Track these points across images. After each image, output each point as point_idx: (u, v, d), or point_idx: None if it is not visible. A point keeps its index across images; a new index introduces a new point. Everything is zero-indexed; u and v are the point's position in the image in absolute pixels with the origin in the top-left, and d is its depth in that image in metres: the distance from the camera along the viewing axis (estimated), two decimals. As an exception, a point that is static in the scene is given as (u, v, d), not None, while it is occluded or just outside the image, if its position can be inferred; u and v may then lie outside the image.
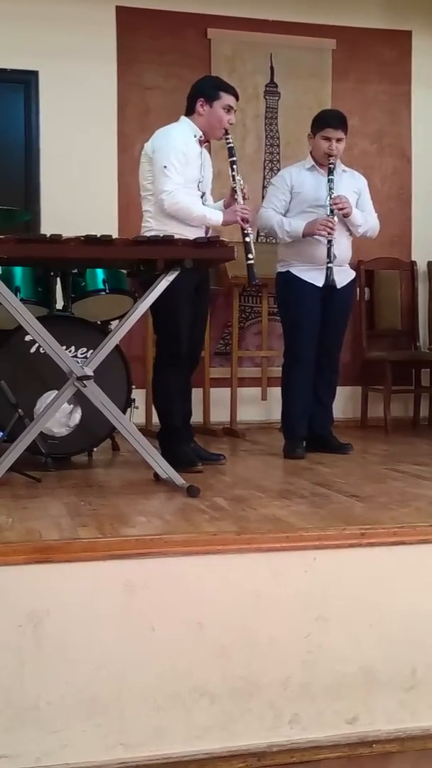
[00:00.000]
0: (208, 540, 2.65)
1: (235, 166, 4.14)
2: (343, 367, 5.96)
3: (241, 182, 4.15)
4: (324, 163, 4.58)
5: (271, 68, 6.20)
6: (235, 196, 4.12)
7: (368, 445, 5.08)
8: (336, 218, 4.47)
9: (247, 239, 4.09)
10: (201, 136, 4.14)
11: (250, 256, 4.12)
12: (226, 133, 4.13)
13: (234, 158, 4.14)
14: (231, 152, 4.14)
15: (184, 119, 4.17)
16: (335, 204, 4.47)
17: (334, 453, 4.60)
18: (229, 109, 4.13)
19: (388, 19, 6.35)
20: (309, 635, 2.62)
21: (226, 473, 4.01)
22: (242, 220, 4.06)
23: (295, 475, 4.01)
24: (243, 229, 4.08)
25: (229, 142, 4.14)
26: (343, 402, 6.09)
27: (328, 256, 4.46)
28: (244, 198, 4.11)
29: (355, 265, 6.15)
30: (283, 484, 3.79)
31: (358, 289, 6.17)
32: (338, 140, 4.56)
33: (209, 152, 4.30)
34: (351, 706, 2.64)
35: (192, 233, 3.85)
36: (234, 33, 6.07)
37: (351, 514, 3.04)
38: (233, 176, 4.14)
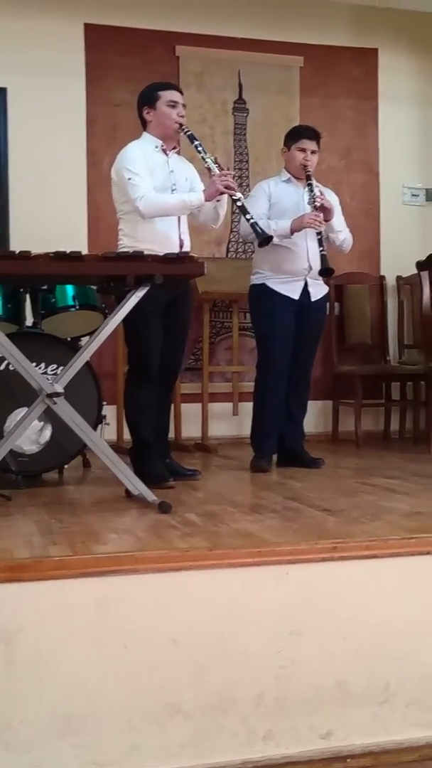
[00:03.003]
0: (181, 556, 2.64)
1: (200, 148, 4.12)
2: (314, 381, 5.98)
3: (212, 157, 4.13)
4: (299, 175, 4.66)
5: (240, 85, 6.24)
6: (211, 174, 4.10)
7: (339, 459, 5.09)
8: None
9: (239, 203, 4.13)
10: (162, 145, 4.15)
11: (247, 216, 4.19)
12: (181, 126, 4.12)
13: (197, 141, 4.12)
14: (192, 139, 4.13)
15: (143, 134, 4.21)
16: (321, 199, 4.52)
17: (306, 468, 4.60)
18: (174, 104, 4.13)
19: (355, 36, 6.42)
20: (282, 650, 2.61)
21: (198, 489, 4.00)
22: (225, 188, 4.04)
23: (266, 490, 4.01)
24: (231, 197, 4.10)
25: (187, 132, 4.13)
26: (314, 416, 6.10)
27: (321, 244, 4.50)
28: (220, 168, 4.09)
29: (326, 279, 6.21)
30: (255, 498, 3.80)
31: (328, 304, 6.24)
32: (312, 152, 4.64)
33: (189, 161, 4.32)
34: (325, 721, 2.64)
35: (165, 249, 3.85)
36: (202, 50, 6.10)
37: (323, 528, 3.04)
38: (202, 157, 4.12)
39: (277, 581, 2.64)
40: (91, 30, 5.88)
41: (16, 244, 5.28)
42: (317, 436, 5.98)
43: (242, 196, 4.20)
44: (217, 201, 4.16)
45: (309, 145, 4.65)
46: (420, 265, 5.25)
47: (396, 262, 6.37)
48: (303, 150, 4.64)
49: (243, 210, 4.18)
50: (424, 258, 5.24)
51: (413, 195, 6.56)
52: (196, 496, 3.77)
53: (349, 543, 2.76)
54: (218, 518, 3.21)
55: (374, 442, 5.95)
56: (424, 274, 5.21)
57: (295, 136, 4.72)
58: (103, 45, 5.90)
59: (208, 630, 2.57)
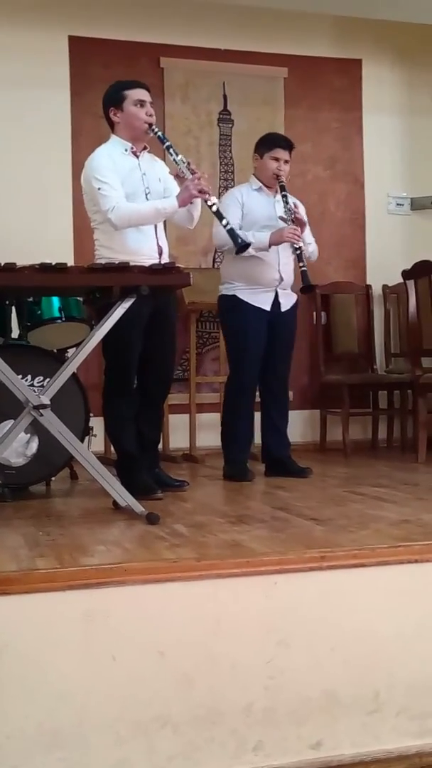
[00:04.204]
0: (169, 567, 2.63)
1: (171, 150, 4.06)
2: (301, 390, 5.99)
3: (184, 160, 4.06)
4: (271, 184, 4.65)
5: (224, 96, 6.26)
6: (184, 177, 4.04)
7: (327, 468, 5.09)
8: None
9: (214, 208, 4.07)
10: (132, 147, 4.09)
11: (224, 222, 4.14)
12: (150, 126, 4.06)
13: (167, 143, 4.07)
14: (162, 140, 4.07)
15: (111, 137, 4.15)
16: (296, 214, 4.52)
17: (294, 477, 4.59)
18: (142, 103, 4.05)
19: (339, 47, 6.45)
20: (271, 660, 2.60)
21: (185, 499, 3.99)
22: (199, 192, 3.98)
23: (254, 500, 4.01)
24: (206, 201, 4.04)
25: (156, 133, 4.07)
26: (302, 426, 6.11)
27: (301, 260, 4.52)
28: (192, 173, 4.02)
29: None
30: (243, 509, 3.79)
31: (315, 313, 6.26)
32: (285, 162, 4.64)
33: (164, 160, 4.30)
34: (314, 731, 2.63)
35: (143, 257, 3.85)
36: (187, 62, 6.12)
37: (311, 537, 3.04)
38: (174, 160, 4.06)
39: (266, 591, 2.64)
40: (75, 42, 5.89)
41: (0, 257, 5.26)
42: (305, 446, 5.98)
43: (217, 201, 4.16)
44: (191, 203, 4.10)
45: (282, 154, 4.64)
46: (406, 274, 5.26)
47: (382, 271, 6.39)
48: (276, 159, 4.63)
49: (218, 215, 4.13)
50: (409, 267, 5.25)
51: (398, 204, 6.59)
52: (184, 507, 3.77)
53: (337, 552, 2.76)
54: (206, 529, 3.21)
55: (362, 451, 5.96)
56: (410, 283, 5.23)
57: (269, 144, 4.69)
58: (88, 57, 5.91)
59: (196, 641, 2.56)
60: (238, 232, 4.28)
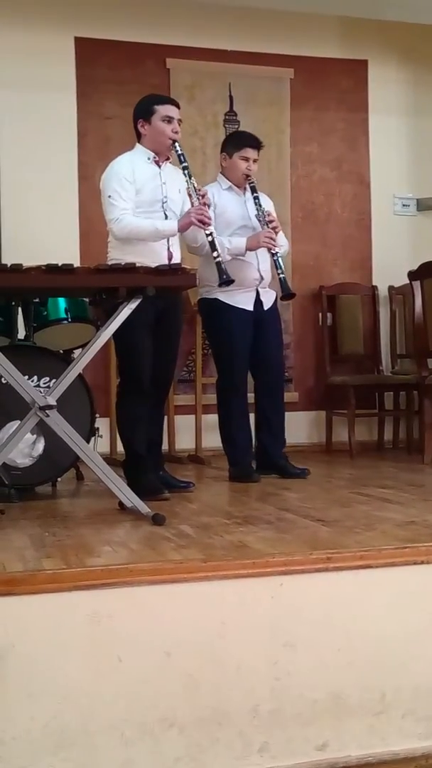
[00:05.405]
0: (174, 568, 2.63)
1: (187, 171, 4.13)
2: (307, 391, 5.99)
3: (195, 185, 4.13)
4: (240, 183, 4.65)
5: (230, 97, 6.25)
6: (191, 200, 4.11)
7: (333, 469, 5.09)
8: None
9: (209, 238, 4.13)
10: (155, 157, 4.16)
11: (215, 254, 4.16)
12: (174, 142, 4.12)
13: (185, 164, 4.13)
14: (181, 159, 4.13)
15: (136, 146, 4.22)
16: (270, 220, 4.52)
17: (287, 478, 4.58)
18: (169, 119, 4.13)
19: (345, 48, 6.44)
20: (277, 662, 2.60)
21: (191, 500, 3.99)
22: (199, 222, 4.05)
23: (260, 501, 4.01)
24: (204, 231, 4.11)
25: (178, 151, 4.12)
26: (308, 427, 6.10)
27: (279, 267, 4.52)
28: (199, 198, 4.09)
29: (317, 290, 6.24)
30: (249, 510, 3.79)
31: (321, 314, 6.26)
32: (254, 161, 4.64)
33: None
34: (320, 733, 2.63)
35: (153, 261, 3.86)
36: (193, 63, 6.12)
37: (317, 538, 3.04)
38: (186, 181, 4.14)
39: (271, 592, 2.64)
40: (81, 44, 5.89)
41: (7, 258, 5.28)
42: (311, 447, 5.98)
43: (214, 231, 4.19)
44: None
45: (252, 153, 4.63)
46: (412, 275, 5.26)
47: (388, 272, 6.38)
48: (246, 159, 4.62)
49: (212, 246, 4.16)
50: (415, 268, 5.25)
51: (404, 205, 6.58)
52: (190, 508, 3.77)
53: (343, 553, 2.76)
54: (212, 530, 3.21)
55: (368, 452, 5.95)
56: (416, 284, 5.22)
57: (238, 144, 4.68)
58: (94, 58, 5.91)
59: (202, 642, 2.56)
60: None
